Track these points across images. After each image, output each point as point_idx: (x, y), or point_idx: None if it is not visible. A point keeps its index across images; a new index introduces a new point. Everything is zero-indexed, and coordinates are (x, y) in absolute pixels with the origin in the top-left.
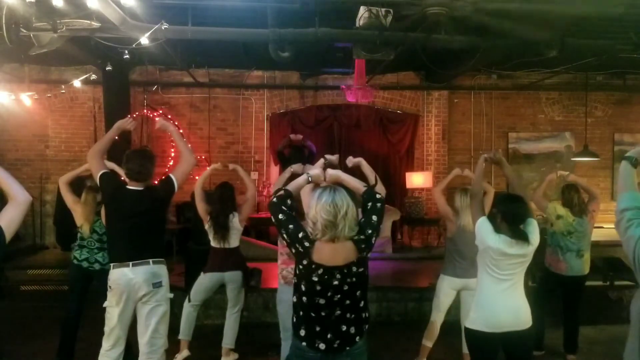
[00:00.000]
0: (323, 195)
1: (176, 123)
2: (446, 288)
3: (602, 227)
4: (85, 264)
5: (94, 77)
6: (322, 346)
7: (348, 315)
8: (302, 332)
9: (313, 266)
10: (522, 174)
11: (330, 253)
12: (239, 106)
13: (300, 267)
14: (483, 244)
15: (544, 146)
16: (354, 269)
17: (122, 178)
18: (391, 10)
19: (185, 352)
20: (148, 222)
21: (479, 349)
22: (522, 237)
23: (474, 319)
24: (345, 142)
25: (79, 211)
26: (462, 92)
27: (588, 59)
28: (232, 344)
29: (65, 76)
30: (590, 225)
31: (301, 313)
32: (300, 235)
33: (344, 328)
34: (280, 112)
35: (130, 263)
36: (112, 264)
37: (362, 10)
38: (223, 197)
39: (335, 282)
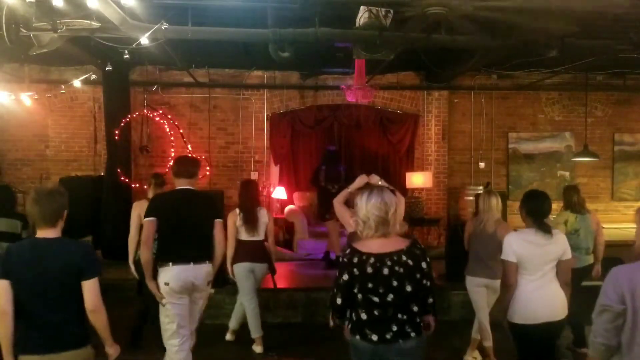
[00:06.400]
0: (372, 196)
1: (176, 123)
2: (472, 286)
3: (602, 227)
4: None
5: (94, 77)
6: (374, 337)
7: (400, 315)
8: (355, 329)
9: (364, 257)
10: (522, 174)
11: (379, 244)
12: (239, 106)
13: (355, 269)
14: (513, 257)
15: (544, 146)
16: (403, 257)
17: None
18: (391, 11)
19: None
20: (203, 222)
21: (522, 340)
22: (545, 229)
23: (513, 314)
24: (345, 142)
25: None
26: (462, 92)
27: (588, 59)
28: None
29: (65, 76)
30: (593, 222)
31: (354, 316)
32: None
33: (395, 328)
34: (280, 112)
35: (192, 262)
36: (170, 262)
37: (362, 10)
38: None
39: (386, 271)
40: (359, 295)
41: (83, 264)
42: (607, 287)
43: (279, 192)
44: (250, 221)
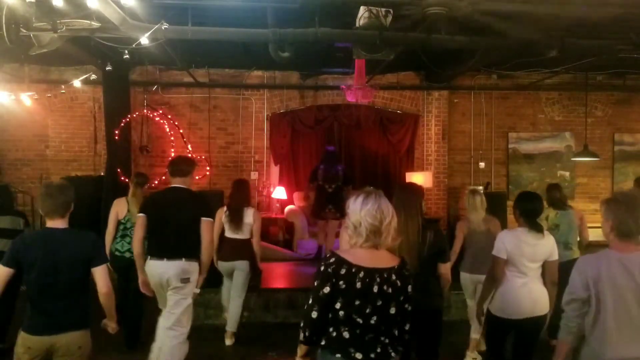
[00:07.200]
0: (369, 200)
1: (176, 123)
2: (466, 282)
3: (586, 223)
4: (127, 255)
5: (94, 77)
6: (358, 355)
7: (382, 338)
8: (334, 346)
9: (353, 270)
10: (522, 174)
11: (370, 256)
12: (239, 106)
13: (341, 282)
14: (504, 255)
15: (544, 146)
16: (393, 276)
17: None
18: (391, 10)
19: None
20: (186, 221)
21: (497, 333)
22: (538, 229)
23: (498, 307)
24: (345, 142)
25: (122, 207)
26: (462, 92)
27: (588, 59)
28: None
29: (65, 76)
30: (576, 218)
31: (334, 334)
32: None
33: (379, 349)
34: (280, 112)
35: (165, 258)
36: (149, 256)
37: (362, 10)
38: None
39: (375, 289)
40: (341, 312)
41: (93, 252)
42: (573, 276)
43: (279, 192)
44: (234, 220)
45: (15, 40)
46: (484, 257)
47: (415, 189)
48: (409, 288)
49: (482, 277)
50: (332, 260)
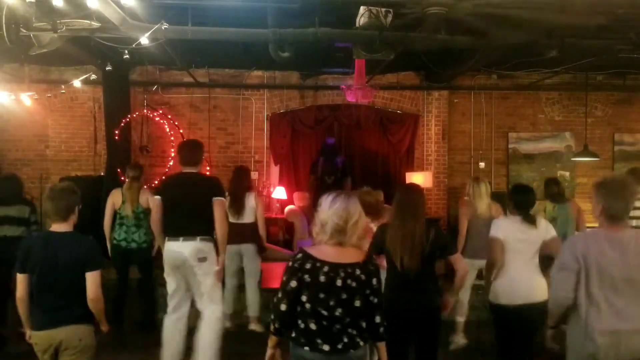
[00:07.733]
0: (337, 200)
1: (176, 123)
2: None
3: (584, 214)
4: (123, 244)
5: (94, 77)
6: (326, 347)
7: (349, 330)
8: (303, 339)
9: (318, 264)
10: (522, 174)
11: (335, 252)
12: (239, 106)
13: (306, 276)
14: (501, 235)
15: (544, 146)
16: (357, 271)
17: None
18: (391, 10)
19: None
20: (197, 201)
21: (502, 323)
22: (530, 220)
23: (496, 294)
24: (345, 142)
25: (118, 197)
26: (462, 92)
27: (588, 59)
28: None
29: (65, 76)
30: (574, 211)
31: (302, 325)
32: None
33: (346, 340)
34: (280, 112)
35: (181, 238)
36: (167, 237)
37: (362, 10)
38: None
39: (339, 282)
40: (308, 305)
41: (87, 257)
42: (564, 250)
43: (279, 192)
44: (234, 205)
45: (15, 40)
46: (486, 242)
47: (419, 189)
48: (374, 281)
49: (484, 262)
50: (299, 256)
